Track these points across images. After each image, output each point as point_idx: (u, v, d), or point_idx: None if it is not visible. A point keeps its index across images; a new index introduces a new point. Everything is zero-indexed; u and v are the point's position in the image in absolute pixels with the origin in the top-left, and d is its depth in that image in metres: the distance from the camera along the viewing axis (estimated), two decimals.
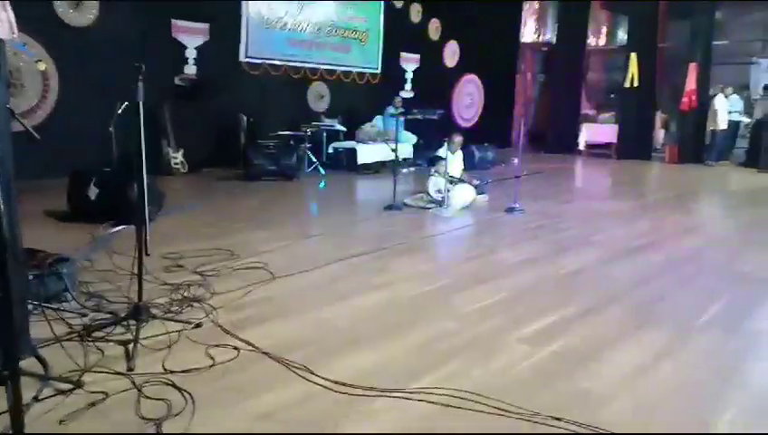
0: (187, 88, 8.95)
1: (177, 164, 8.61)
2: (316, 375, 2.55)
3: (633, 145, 13.69)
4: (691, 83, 12.71)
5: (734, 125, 12.81)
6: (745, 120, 12.89)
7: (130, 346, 2.66)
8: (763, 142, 12.03)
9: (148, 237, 2.70)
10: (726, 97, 12.43)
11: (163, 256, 4.23)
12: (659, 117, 14.20)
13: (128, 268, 3.81)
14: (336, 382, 2.49)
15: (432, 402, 2.36)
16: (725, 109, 12.42)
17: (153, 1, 8.15)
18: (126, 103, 3.28)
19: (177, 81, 8.86)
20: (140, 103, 2.67)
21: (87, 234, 4.79)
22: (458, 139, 6.92)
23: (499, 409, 2.31)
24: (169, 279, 3.79)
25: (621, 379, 2.65)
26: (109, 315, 3.07)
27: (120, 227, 4.99)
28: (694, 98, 12.71)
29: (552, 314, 3.43)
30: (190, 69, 9.00)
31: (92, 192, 5.31)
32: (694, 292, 4.07)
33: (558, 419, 2.24)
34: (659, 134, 14.43)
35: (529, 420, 2.24)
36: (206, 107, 9.00)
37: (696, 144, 13.12)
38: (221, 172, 8.84)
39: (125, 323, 2.91)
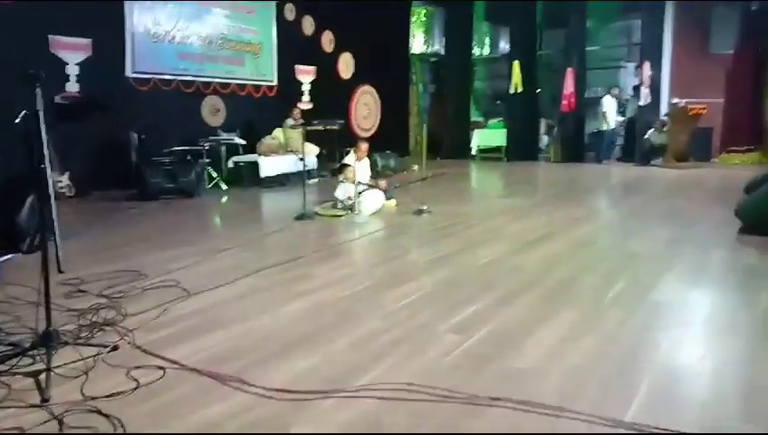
0: (69, 107, 8.34)
1: (62, 188, 8.01)
2: (253, 386, 2.46)
3: (521, 147, 14.54)
4: (569, 87, 13.71)
5: None
6: (619, 118, 14.05)
7: (42, 376, 2.43)
8: (636, 138, 13.19)
9: (60, 253, 2.48)
10: (613, 97, 13.45)
11: (62, 283, 3.92)
12: (543, 120, 15.16)
13: (23, 298, 3.53)
14: (276, 390, 2.42)
15: (377, 398, 2.35)
16: (614, 108, 13.46)
17: (29, 12, 7.58)
18: (25, 112, 2.98)
19: (57, 99, 8.25)
20: (41, 112, 2.46)
21: None
22: (364, 146, 7.01)
23: (441, 396, 2.35)
24: (73, 305, 3.51)
25: (547, 356, 2.79)
26: (10, 347, 2.79)
27: (7, 257, 4.56)
28: (573, 100, 13.73)
29: (473, 304, 3.55)
30: (72, 86, 8.43)
31: None
32: (596, 274, 4.36)
33: (497, 398, 2.32)
34: (544, 136, 15.41)
35: (471, 403, 2.30)
36: (91, 126, 8.40)
37: (577, 144, 14.16)
38: (113, 193, 8.33)
39: (32, 352, 2.65)
